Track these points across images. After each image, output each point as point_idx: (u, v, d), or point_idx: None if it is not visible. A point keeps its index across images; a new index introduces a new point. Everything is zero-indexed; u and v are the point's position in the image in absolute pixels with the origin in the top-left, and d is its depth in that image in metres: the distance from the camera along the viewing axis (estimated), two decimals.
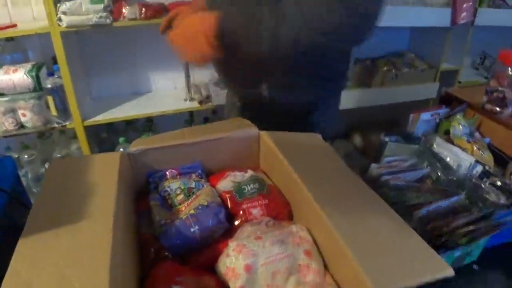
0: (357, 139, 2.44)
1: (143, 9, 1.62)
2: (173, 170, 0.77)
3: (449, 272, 0.51)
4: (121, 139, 1.83)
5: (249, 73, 0.98)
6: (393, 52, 2.47)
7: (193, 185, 0.72)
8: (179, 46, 0.79)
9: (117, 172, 0.67)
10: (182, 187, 0.71)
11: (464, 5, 2.18)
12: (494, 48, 2.71)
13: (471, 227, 0.77)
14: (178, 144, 0.76)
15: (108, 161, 0.72)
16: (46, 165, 1.90)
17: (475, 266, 0.87)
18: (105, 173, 0.68)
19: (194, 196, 0.70)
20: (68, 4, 1.54)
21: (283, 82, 0.95)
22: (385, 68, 2.20)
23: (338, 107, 1.18)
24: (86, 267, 0.48)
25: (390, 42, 2.46)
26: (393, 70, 2.19)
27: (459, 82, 2.54)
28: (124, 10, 1.61)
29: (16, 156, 1.91)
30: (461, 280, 0.83)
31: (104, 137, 2.02)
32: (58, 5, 1.56)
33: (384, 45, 2.45)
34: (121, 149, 1.87)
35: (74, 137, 1.95)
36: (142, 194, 0.78)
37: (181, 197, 0.70)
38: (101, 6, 1.56)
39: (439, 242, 0.76)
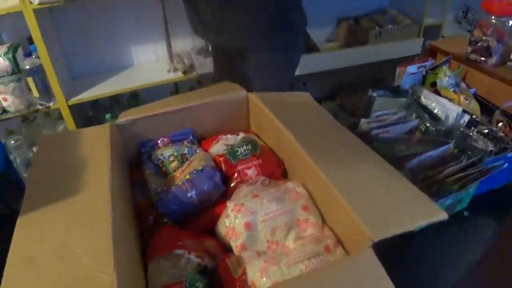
0: (344, 100, 2.45)
1: None
2: (164, 139, 0.77)
3: (443, 215, 0.53)
4: (107, 116, 1.80)
5: None
6: (375, 9, 2.43)
7: (186, 151, 0.72)
8: None
9: (109, 143, 0.66)
10: (175, 154, 0.71)
11: None
12: (477, 1, 2.71)
13: (461, 174, 0.79)
14: (166, 111, 0.75)
15: (98, 133, 0.71)
16: (34, 149, 1.87)
17: (465, 213, 0.90)
18: (96, 145, 0.67)
19: (188, 162, 0.70)
20: None
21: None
22: (368, 27, 2.18)
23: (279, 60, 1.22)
24: (88, 236, 0.48)
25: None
26: (377, 28, 2.17)
27: (443, 36, 2.54)
28: None
29: (4, 141, 1.87)
30: (453, 226, 0.86)
31: (91, 115, 1.99)
32: None
33: (366, 2, 2.41)
34: None
35: (59, 118, 1.91)
36: (134, 164, 0.78)
37: (175, 163, 0.71)
38: None
39: (431, 191, 0.78)
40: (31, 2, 1.51)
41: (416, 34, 2.33)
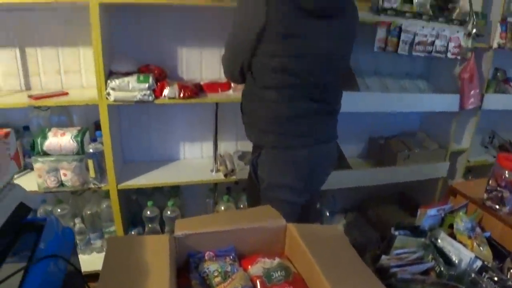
0: (369, 212, 2.55)
1: (182, 90, 1.83)
2: (211, 253, 0.90)
3: None
4: (149, 203, 1.98)
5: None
6: (405, 132, 2.63)
7: (229, 268, 0.85)
8: None
9: (169, 254, 0.81)
10: (220, 270, 0.84)
11: (472, 92, 2.36)
12: (503, 128, 2.88)
13: None
14: (216, 231, 0.90)
15: (159, 242, 0.86)
16: (76, 220, 2.03)
17: None
18: (157, 253, 0.82)
19: (229, 280, 0.82)
20: (117, 81, 1.76)
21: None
22: (397, 148, 2.36)
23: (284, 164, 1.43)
24: None
25: (402, 122, 2.63)
26: (406, 150, 2.35)
27: (468, 161, 2.67)
28: (165, 90, 1.83)
29: (50, 209, 2.04)
30: None
31: (133, 199, 2.18)
32: (108, 81, 1.78)
33: (397, 125, 2.63)
34: (148, 212, 2.02)
35: (105, 196, 2.10)
36: (180, 269, 0.91)
37: (218, 279, 0.83)
38: (146, 85, 1.78)
39: None
40: (107, 99, 1.79)
41: (442, 158, 2.47)
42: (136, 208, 2.15)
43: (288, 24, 1.23)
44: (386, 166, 2.35)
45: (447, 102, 2.32)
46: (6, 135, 0.91)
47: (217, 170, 2.11)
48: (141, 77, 1.80)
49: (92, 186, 1.92)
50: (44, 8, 1.90)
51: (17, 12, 1.89)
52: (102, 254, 2.04)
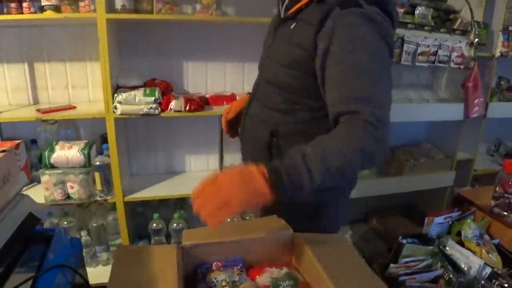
0: (376, 223, 2.53)
1: (188, 103, 1.85)
2: (218, 263, 0.90)
3: None
4: (155, 215, 1.98)
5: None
6: (411, 141, 2.63)
7: (236, 278, 0.85)
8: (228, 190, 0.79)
9: (176, 264, 0.81)
10: (227, 280, 0.84)
11: (476, 101, 2.36)
12: (508, 136, 2.87)
13: None
14: (223, 241, 0.90)
15: (167, 252, 0.86)
16: (82, 233, 2.04)
17: None
18: (165, 263, 0.82)
19: None
20: (124, 95, 1.79)
21: None
22: (403, 158, 2.35)
23: (346, 204, 1.27)
24: None
25: (408, 132, 2.64)
26: (412, 160, 2.34)
27: (475, 170, 2.66)
28: (171, 103, 1.85)
29: (56, 221, 2.05)
30: None
31: (139, 211, 2.18)
32: (115, 95, 1.80)
33: (403, 135, 2.63)
34: (154, 225, 2.02)
35: (111, 209, 2.11)
36: (187, 279, 0.91)
37: None
38: (152, 98, 1.80)
39: None
40: (114, 112, 1.81)
41: (448, 167, 2.46)
42: (142, 221, 2.16)
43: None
44: (392, 176, 2.34)
45: (451, 111, 2.32)
46: (17, 146, 0.93)
47: None
48: (148, 91, 1.83)
49: (98, 198, 1.93)
50: (53, 24, 1.95)
51: (27, 29, 1.94)
52: (108, 267, 2.06)
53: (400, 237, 1.09)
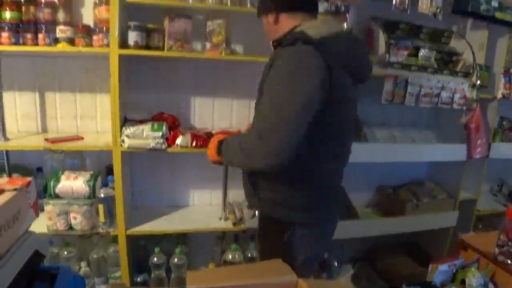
0: (379, 263, 2.50)
1: (194, 139, 1.89)
2: None
3: None
4: (156, 249, 1.97)
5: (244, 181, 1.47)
6: (413, 181, 2.64)
7: None
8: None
9: None
10: None
11: (478, 142, 2.39)
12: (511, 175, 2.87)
13: None
14: (228, 285, 0.90)
15: None
16: (82, 263, 2.01)
17: None
18: None
19: None
20: (132, 129, 1.82)
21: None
22: (406, 198, 2.36)
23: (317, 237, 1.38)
24: None
25: (410, 171, 2.65)
26: (414, 200, 2.35)
27: (478, 210, 2.64)
28: (178, 139, 1.88)
29: (57, 251, 2.03)
30: None
31: (141, 244, 2.17)
32: (123, 128, 1.83)
33: (405, 174, 2.65)
34: (155, 259, 2.00)
35: (113, 240, 2.09)
36: None
37: None
38: (160, 133, 1.83)
39: None
40: (121, 145, 1.83)
41: (451, 207, 2.46)
42: (143, 254, 2.14)
43: (344, 89, 1.21)
44: (394, 216, 2.34)
45: (454, 151, 2.34)
46: (28, 184, 0.95)
47: (226, 218, 2.12)
48: (155, 126, 1.86)
49: (101, 230, 1.92)
50: (66, 56, 2.01)
51: (41, 59, 2.00)
52: None
53: (404, 285, 1.08)
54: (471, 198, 2.59)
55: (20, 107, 2.05)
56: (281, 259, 1.03)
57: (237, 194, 2.23)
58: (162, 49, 1.84)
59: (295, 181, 1.29)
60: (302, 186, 1.30)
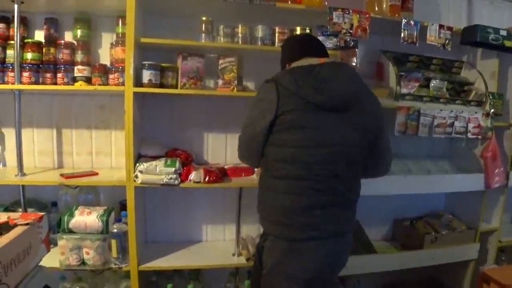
0: None
1: (207, 174, 1.89)
2: None
3: None
4: (168, 286, 1.94)
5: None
6: (431, 212, 2.57)
7: None
8: None
9: None
10: None
11: (496, 171, 2.33)
12: None
13: None
14: None
15: None
16: None
17: None
18: None
19: None
20: (145, 164, 1.84)
21: None
22: (424, 230, 2.29)
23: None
24: None
25: (427, 203, 2.58)
26: (432, 232, 2.28)
27: (500, 241, 2.55)
28: (191, 174, 1.89)
29: (68, 286, 2.01)
30: None
31: (153, 280, 2.13)
32: (137, 164, 1.85)
33: (422, 205, 2.58)
34: None
35: (125, 276, 2.07)
36: None
37: None
38: (173, 169, 1.85)
39: None
40: (135, 181, 1.85)
41: (472, 239, 2.37)
42: None
43: (296, 116, 1.33)
44: (412, 250, 2.27)
45: (471, 181, 2.29)
46: (41, 218, 0.95)
47: (239, 254, 2.09)
48: (169, 162, 1.88)
49: (113, 266, 1.91)
50: (83, 94, 2.07)
51: (59, 97, 2.07)
52: None
53: None
54: (492, 229, 2.50)
55: (38, 143, 2.10)
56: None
57: (251, 228, 2.22)
58: (176, 86, 1.89)
59: (263, 195, 1.51)
60: (268, 201, 1.46)
